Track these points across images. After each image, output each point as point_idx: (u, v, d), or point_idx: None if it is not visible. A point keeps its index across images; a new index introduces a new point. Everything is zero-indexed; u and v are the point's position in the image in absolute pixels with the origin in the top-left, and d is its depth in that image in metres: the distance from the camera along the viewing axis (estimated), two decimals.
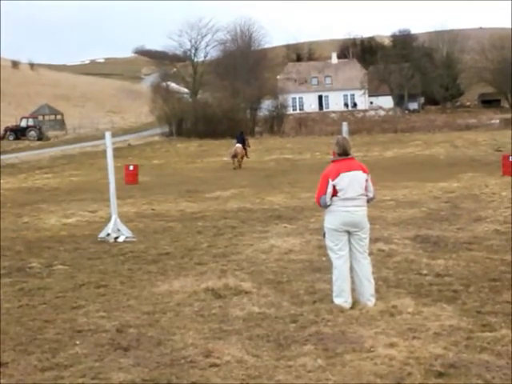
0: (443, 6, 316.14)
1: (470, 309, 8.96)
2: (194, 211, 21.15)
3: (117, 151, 43.16)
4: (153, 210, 21.98)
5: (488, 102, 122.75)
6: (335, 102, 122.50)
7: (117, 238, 15.78)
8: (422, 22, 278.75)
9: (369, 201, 9.45)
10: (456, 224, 16.60)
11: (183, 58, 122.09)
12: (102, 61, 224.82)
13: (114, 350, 7.80)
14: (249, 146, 45.09)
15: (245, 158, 42.73)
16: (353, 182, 9.16)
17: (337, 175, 9.12)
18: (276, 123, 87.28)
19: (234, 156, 42.03)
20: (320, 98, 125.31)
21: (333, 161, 9.40)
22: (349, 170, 9.17)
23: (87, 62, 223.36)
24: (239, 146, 42.47)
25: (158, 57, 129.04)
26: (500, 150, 45.63)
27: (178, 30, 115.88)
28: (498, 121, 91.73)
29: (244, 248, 14.10)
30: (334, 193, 9.14)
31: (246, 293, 10.07)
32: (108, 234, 15.87)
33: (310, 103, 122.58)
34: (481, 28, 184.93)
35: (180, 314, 9.20)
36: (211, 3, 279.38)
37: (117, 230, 15.99)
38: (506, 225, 16.18)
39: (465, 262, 12.00)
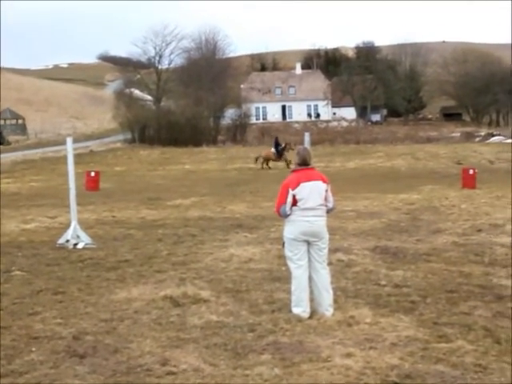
0: (407, 20, 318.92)
1: (426, 320, 9.02)
2: (154, 219, 21.08)
3: (78, 157, 42.97)
4: (113, 216, 21.86)
5: (449, 116, 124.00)
6: (298, 112, 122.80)
7: (76, 244, 15.65)
8: (385, 34, 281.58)
9: (328, 211, 9.48)
10: (415, 235, 16.71)
11: (147, 65, 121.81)
12: (65, 66, 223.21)
13: (69, 357, 7.72)
14: (287, 151, 45.52)
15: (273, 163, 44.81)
16: (313, 192, 9.19)
17: (297, 185, 9.14)
18: (239, 132, 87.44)
19: (258, 157, 45.11)
20: (283, 107, 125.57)
21: (293, 170, 9.44)
22: (309, 180, 9.20)
23: (51, 66, 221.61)
24: (271, 150, 45.79)
25: (122, 63, 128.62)
26: (460, 163, 46.18)
27: (143, 36, 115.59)
28: (458, 134, 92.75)
29: (204, 256, 14.06)
30: (294, 202, 9.16)
31: (205, 301, 10.04)
32: (67, 241, 15.74)
33: (274, 113, 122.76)
34: (444, 42, 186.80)
35: (138, 321, 9.15)
36: (177, 11, 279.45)
37: (76, 236, 15.86)
38: (464, 237, 16.34)
39: (423, 273, 12.08)
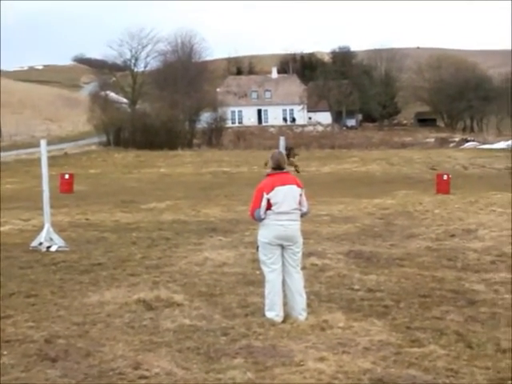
0: (382, 25, 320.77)
1: (399, 324, 9.05)
2: (128, 222, 21.01)
3: (53, 159, 42.79)
4: (87, 219, 21.75)
5: (424, 121, 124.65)
6: (274, 117, 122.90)
7: (49, 247, 15.55)
8: (361, 39, 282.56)
9: (302, 215, 9.50)
10: (389, 240, 16.79)
11: (123, 68, 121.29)
12: (40, 68, 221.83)
13: (41, 360, 7.66)
14: (293, 157, 42.80)
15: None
16: (287, 196, 9.21)
17: (271, 189, 9.15)
18: (215, 136, 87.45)
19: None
20: (259, 111, 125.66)
21: (268, 174, 9.45)
22: (283, 184, 9.21)
23: (26, 68, 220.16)
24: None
25: (98, 66, 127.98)
26: (434, 169, 46.52)
27: (119, 39, 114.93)
28: (433, 140, 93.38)
29: (178, 260, 14.03)
30: (269, 206, 9.17)
31: (178, 305, 10.01)
32: (40, 243, 15.64)
33: (250, 117, 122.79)
34: (418, 48, 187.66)
35: (110, 325, 9.10)
36: (153, 13, 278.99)
37: (49, 239, 15.77)
38: (437, 242, 16.46)
39: (396, 277, 12.14)
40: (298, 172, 39.50)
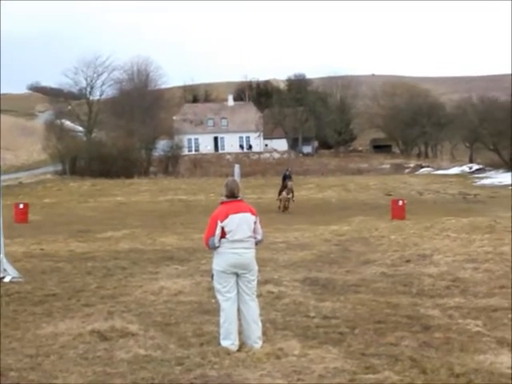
0: (337, 53, 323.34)
1: (354, 351, 9.07)
2: (84, 251, 20.83)
3: (7, 189, 42.36)
4: (42, 249, 21.52)
5: (379, 148, 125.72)
6: (231, 144, 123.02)
7: (3, 278, 15.34)
8: (316, 67, 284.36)
9: (257, 243, 9.50)
10: (345, 267, 16.86)
11: (78, 96, 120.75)
12: None
13: None
14: (289, 189, 38.31)
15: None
16: (241, 224, 9.21)
17: (226, 217, 9.15)
18: (171, 164, 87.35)
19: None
20: (216, 139, 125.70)
21: (222, 202, 9.44)
22: (238, 212, 9.22)
23: None
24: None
25: (53, 94, 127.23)
26: (390, 195, 46.93)
27: (74, 67, 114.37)
28: (388, 166, 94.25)
29: (133, 289, 13.93)
30: (223, 234, 9.16)
31: (133, 335, 9.92)
32: None
33: (206, 144, 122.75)
34: (373, 75, 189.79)
35: (64, 356, 8.98)
36: (108, 41, 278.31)
37: (3, 269, 15.57)
38: (393, 267, 16.55)
39: (352, 304, 12.17)
40: (293, 201, 37.91)
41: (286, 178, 38.81)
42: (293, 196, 38.29)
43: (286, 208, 37.44)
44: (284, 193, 37.40)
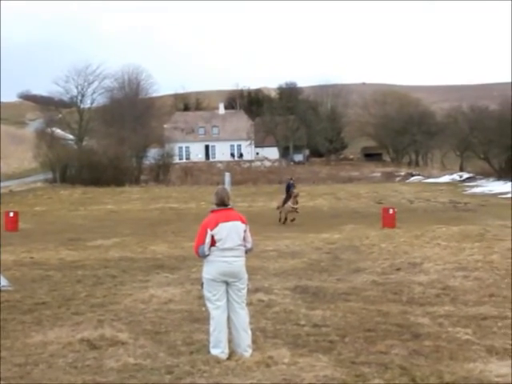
0: (328, 61, 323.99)
1: (344, 359, 9.06)
2: (74, 260, 20.78)
3: None
4: (32, 258, 21.46)
5: (370, 156, 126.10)
6: (222, 152, 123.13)
7: None
8: (307, 75, 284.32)
9: (247, 251, 9.50)
10: (336, 275, 16.85)
11: (69, 104, 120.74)
12: None
13: None
14: (294, 197, 36.11)
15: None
16: (231, 233, 9.21)
17: (215, 225, 9.15)
18: (162, 172, 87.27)
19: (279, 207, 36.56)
20: (207, 147, 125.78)
21: (212, 211, 9.44)
22: (227, 220, 9.22)
23: None
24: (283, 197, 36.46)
25: (44, 102, 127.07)
26: (381, 203, 46.95)
27: (65, 75, 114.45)
28: (379, 174, 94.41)
29: (123, 298, 13.90)
30: (213, 243, 9.16)
31: (123, 344, 9.90)
32: None
33: (197, 153, 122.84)
34: (364, 83, 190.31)
35: (53, 365, 8.95)
36: (99, 50, 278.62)
37: None
38: (383, 276, 16.56)
39: (342, 312, 12.17)
40: (297, 212, 36.15)
41: (290, 187, 36.91)
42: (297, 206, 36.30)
43: (291, 220, 35.47)
44: (289, 203, 35.66)
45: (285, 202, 36.19)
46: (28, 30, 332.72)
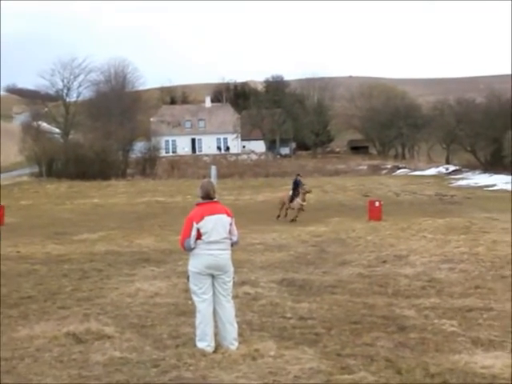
0: (315, 54, 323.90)
1: (330, 351, 9.09)
2: (60, 254, 20.71)
3: None
4: (18, 252, 21.37)
5: (357, 149, 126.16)
6: (208, 146, 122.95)
7: None
8: (294, 68, 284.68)
9: (233, 244, 9.51)
10: (322, 268, 16.89)
11: (55, 98, 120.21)
12: None
13: None
14: (304, 193, 34.25)
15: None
16: (217, 226, 9.21)
17: (201, 218, 9.14)
18: (148, 165, 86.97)
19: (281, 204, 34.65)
20: (193, 141, 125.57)
21: (197, 204, 9.43)
22: (213, 214, 9.21)
23: None
24: (289, 194, 34.58)
25: (30, 96, 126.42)
26: (367, 196, 46.91)
27: (50, 69, 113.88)
28: (365, 167, 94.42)
29: (109, 291, 13.89)
30: (198, 236, 9.16)
31: (109, 337, 9.89)
32: None
33: (183, 146, 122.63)
34: (350, 76, 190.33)
35: (39, 359, 8.94)
36: (85, 43, 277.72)
37: None
38: (369, 268, 16.61)
39: (328, 305, 12.20)
40: (303, 210, 33.83)
41: (298, 184, 34.78)
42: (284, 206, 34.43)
43: (291, 220, 32.96)
44: (298, 199, 34.21)
45: (292, 199, 34.76)
46: (12, 22, 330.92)
